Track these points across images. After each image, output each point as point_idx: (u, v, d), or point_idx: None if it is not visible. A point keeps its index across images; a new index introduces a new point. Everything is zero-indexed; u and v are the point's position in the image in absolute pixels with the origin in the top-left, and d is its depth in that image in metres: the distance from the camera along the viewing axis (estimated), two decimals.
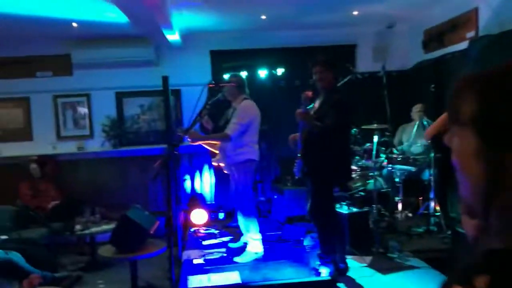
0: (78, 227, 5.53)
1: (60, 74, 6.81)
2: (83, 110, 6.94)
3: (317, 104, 3.99)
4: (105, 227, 5.48)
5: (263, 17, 5.90)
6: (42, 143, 6.83)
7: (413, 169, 5.45)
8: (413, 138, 5.84)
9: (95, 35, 6.27)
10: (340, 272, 3.94)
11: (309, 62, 3.97)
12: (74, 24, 5.67)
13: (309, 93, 3.69)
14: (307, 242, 4.94)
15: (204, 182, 7.00)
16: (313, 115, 3.80)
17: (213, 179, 6.94)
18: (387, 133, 5.60)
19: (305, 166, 3.87)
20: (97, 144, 6.93)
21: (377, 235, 4.67)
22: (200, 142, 4.71)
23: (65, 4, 4.86)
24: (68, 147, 6.87)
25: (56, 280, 4.29)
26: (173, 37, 5.98)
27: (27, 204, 5.96)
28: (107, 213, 6.09)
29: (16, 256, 4.24)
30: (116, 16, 5.31)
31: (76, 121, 6.96)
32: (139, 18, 5.12)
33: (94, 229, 5.46)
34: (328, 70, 3.85)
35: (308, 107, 3.97)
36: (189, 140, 4.45)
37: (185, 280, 4.10)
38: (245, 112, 4.55)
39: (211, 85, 4.17)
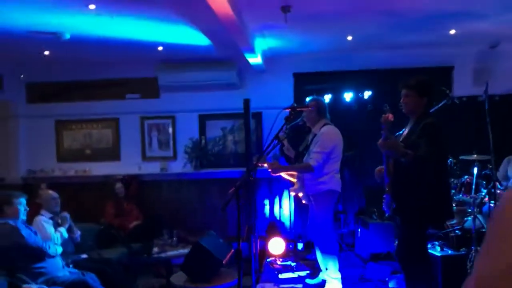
0: (155, 249, 5.52)
1: (148, 97, 6.99)
2: (168, 131, 7.05)
3: (405, 131, 3.58)
4: (181, 251, 5.41)
5: (349, 38, 5.59)
6: (129, 163, 7.01)
7: None
8: None
9: (180, 59, 6.36)
10: None
11: (399, 85, 3.59)
12: (160, 48, 5.77)
13: (390, 116, 3.29)
14: (392, 284, 4.44)
15: (284, 209, 6.74)
16: (401, 143, 3.39)
17: (293, 206, 6.65)
18: (489, 166, 4.95)
19: (393, 202, 3.44)
20: (180, 166, 6.98)
21: None
22: (283, 175, 4.47)
23: (151, 28, 4.93)
24: (152, 168, 6.99)
25: None
26: (255, 60, 5.87)
27: (110, 223, 6.10)
28: (185, 235, 6.05)
29: (91, 278, 4.25)
30: (199, 39, 5.31)
31: (161, 142, 7.07)
32: (221, 41, 5.07)
33: (170, 253, 5.41)
34: (415, 94, 3.44)
35: (397, 134, 3.57)
36: (270, 171, 4.23)
37: None
38: (327, 139, 4.24)
39: (287, 109, 3.92)
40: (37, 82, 7.01)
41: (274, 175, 4.39)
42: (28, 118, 7.07)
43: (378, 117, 3.45)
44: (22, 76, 6.86)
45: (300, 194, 4.49)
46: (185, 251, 5.22)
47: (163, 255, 5.32)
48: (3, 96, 6.71)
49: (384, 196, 3.58)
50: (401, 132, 3.64)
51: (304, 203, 4.63)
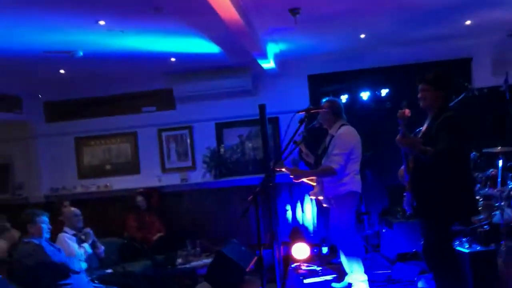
0: (179, 260, 5.53)
1: (164, 109, 7.01)
2: (186, 142, 7.05)
3: (424, 126, 3.49)
4: (205, 260, 5.40)
5: (362, 36, 5.51)
6: (149, 176, 7.04)
7: None
8: None
9: (193, 68, 6.36)
10: None
11: (416, 80, 3.52)
12: (172, 59, 5.79)
13: (406, 111, 3.20)
14: (421, 284, 4.32)
15: (306, 213, 6.67)
16: (420, 139, 3.30)
17: (315, 210, 6.57)
18: None
19: (414, 199, 3.35)
20: (199, 176, 6.97)
21: (510, 280, 3.93)
22: (303, 179, 4.41)
23: (162, 39, 4.94)
24: (172, 179, 7.00)
25: None
26: (268, 65, 5.84)
27: (133, 237, 6.12)
28: (209, 245, 6.03)
29: None
30: (211, 47, 5.30)
31: (180, 153, 7.08)
32: (232, 49, 5.06)
33: (194, 263, 5.41)
34: (433, 88, 3.36)
35: (416, 130, 3.50)
36: (292, 177, 4.19)
37: None
38: (345, 140, 4.17)
39: (301, 112, 3.87)
40: (55, 101, 7.12)
41: (296, 181, 4.34)
42: (48, 137, 7.17)
43: (396, 115, 3.37)
44: (40, 96, 6.97)
45: (320, 198, 4.42)
46: (209, 260, 5.21)
47: (187, 265, 5.33)
48: (23, 116, 6.83)
49: (404, 194, 3.50)
50: (420, 128, 3.56)
51: (325, 206, 4.56)
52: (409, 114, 3.16)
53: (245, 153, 6.95)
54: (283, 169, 4.19)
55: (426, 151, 3.14)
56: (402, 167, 3.53)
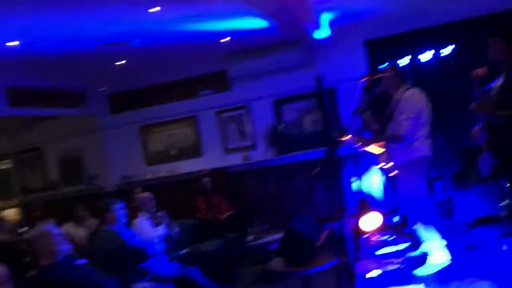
0: (250, 237, 5.60)
1: (220, 90, 7.05)
2: (245, 121, 7.07)
3: (498, 83, 3.26)
4: (276, 236, 5.42)
5: None
6: (212, 158, 7.17)
7: None
8: None
9: (246, 47, 6.31)
10: None
11: (485, 33, 3.28)
12: (226, 39, 5.76)
13: (479, 72, 2.99)
14: (507, 247, 4.10)
15: (374, 183, 6.51)
16: (493, 101, 3.09)
17: (383, 179, 6.39)
18: None
19: (494, 159, 3.17)
20: (261, 154, 6.99)
21: None
22: (370, 147, 4.28)
23: (214, 20, 4.92)
24: (235, 159, 7.08)
25: None
26: (322, 34, 5.67)
27: (204, 218, 6.27)
28: (277, 220, 6.05)
29: (194, 272, 4.39)
30: (262, 23, 5.21)
31: (240, 133, 7.12)
32: (286, 21, 4.95)
33: (265, 239, 5.45)
34: (505, 41, 3.12)
35: (486, 88, 3.28)
36: (358, 145, 4.09)
37: None
38: (412, 104, 3.97)
39: (364, 79, 3.73)
40: (117, 92, 7.37)
41: (363, 149, 4.24)
42: (114, 128, 7.45)
43: (463, 73, 3.17)
44: (103, 88, 7.23)
45: (388, 165, 4.27)
46: (279, 236, 5.23)
47: (258, 242, 5.38)
48: (88, 110, 7.13)
49: (481, 155, 3.31)
50: (492, 84, 3.33)
51: (393, 174, 4.40)
52: (483, 73, 2.97)
53: (305, 128, 6.86)
54: (348, 138, 4.08)
55: (504, 116, 2.96)
56: (477, 127, 3.33)
